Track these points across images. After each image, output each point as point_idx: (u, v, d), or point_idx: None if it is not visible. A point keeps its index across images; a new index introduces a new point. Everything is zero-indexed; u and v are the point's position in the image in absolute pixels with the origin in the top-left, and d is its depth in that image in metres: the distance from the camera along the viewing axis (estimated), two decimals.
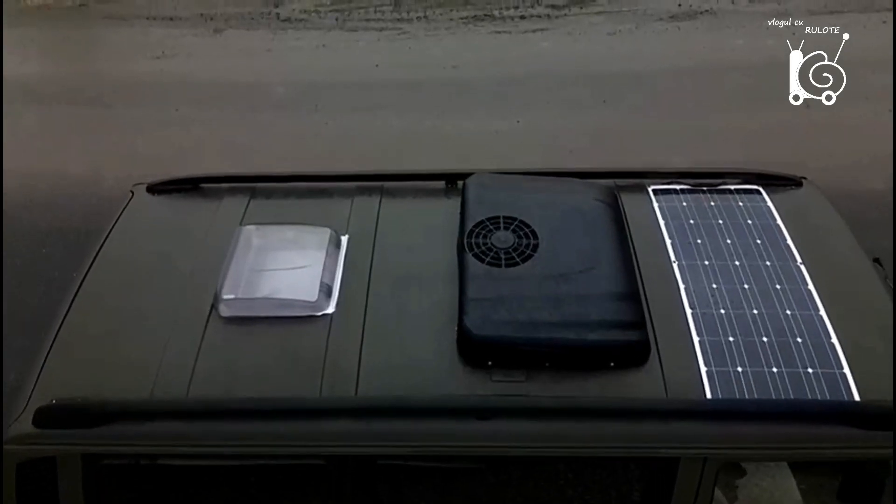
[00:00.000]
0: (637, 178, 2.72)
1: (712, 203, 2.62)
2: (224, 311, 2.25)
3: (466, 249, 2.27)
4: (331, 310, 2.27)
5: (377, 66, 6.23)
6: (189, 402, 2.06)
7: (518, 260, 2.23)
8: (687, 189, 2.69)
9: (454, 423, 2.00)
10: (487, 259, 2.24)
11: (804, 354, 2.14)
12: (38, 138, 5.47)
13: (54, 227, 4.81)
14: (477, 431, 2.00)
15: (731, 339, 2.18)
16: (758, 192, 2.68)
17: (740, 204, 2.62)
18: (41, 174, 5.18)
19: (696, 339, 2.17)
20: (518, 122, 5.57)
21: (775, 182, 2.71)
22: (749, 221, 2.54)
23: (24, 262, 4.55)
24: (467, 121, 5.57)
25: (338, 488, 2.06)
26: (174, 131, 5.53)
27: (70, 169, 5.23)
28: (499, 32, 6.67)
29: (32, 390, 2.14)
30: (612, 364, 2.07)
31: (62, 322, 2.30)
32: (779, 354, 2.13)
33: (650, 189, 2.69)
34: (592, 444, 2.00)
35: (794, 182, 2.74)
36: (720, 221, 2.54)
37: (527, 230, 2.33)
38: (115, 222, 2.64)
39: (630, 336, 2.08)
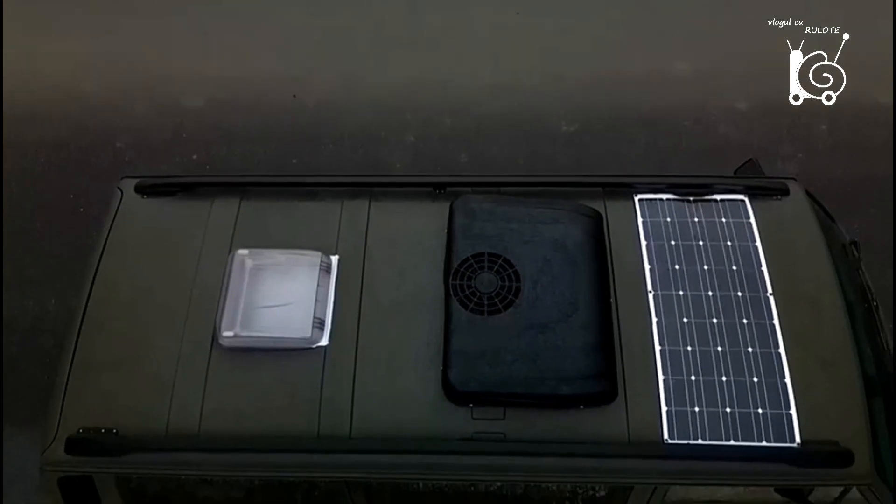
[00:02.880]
0: (625, 188, 2.72)
1: (695, 219, 2.65)
2: (224, 344, 2.42)
3: (451, 294, 2.37)
4: (324, 342, 2.44)
5: None
6: (201, 439, 2.32)
7: (500, 307, 2.35)
8: (672, 199, 2.71)
9: (438, 458, 2.28)
10: (471, 305, 2.35)
11: (757, 395, 2.35)
12: None
13: (44, 140, 4.74)
14: (461, 464, 2.28)
15: (693, 378, 2.38)
16: (742, 202, 2.70)
17: (723, 220, 2.65)
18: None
19: (661, 377, 2.37)
20: (517, 13, 5.21)
21: (761, 192, 2.71)
22: (728, 243, 2.60)
23: (19, 186, 4.57)
24: (461, 10, 5.20)
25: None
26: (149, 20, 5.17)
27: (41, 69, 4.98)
28: None
29: (59, 420, 2.38)
30: (581, 406, 2.30)
31: (74, 351, 2.47)
32: (734, 394, 2.34)
33: (636, 199, 2.70)
34: (560, 476, 2.31)
35: (780, 190, 2.73)
36: (700, 243, 2.60)
37: (510, 271, 2.41)
38: (109, 233, 2.69)
39: (599, 386, 2.28)
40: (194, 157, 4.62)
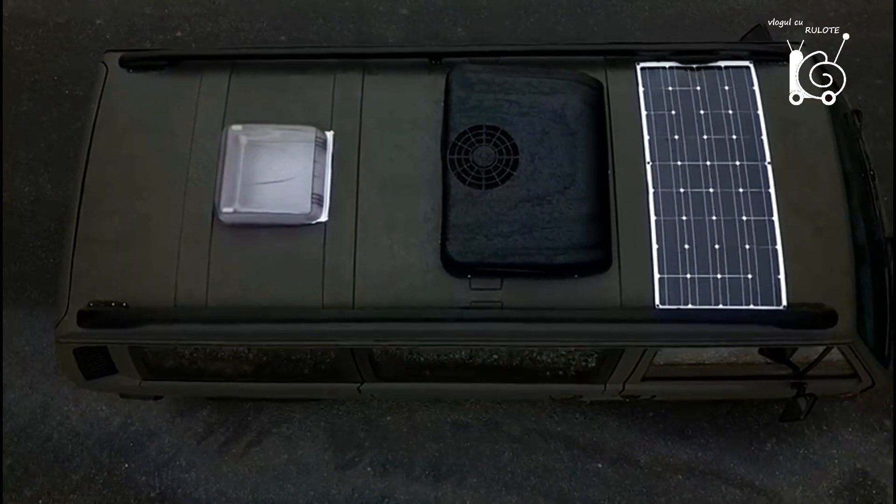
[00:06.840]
0: (627, 55, 2.63)
1: (697, 88, 2.59)
2: (224, 220, 2.44)
3: (449, 168, 2.36)
4: (324, 218, 2.46)
5: None
6: (212, 310, 2.40)
7: (498, 180, 2.34)
8: (675, 67, 2.63)
9: (438, 325, 2.37)
10: (469, 179, 2.35)
11: (748, 261, 2.41)
12: None
13: (16, 15, 4.52)
14: (461, 331, 2.38)
15: (686, 246, 2.42)
16: (747, 69, 2.62)
17: (725, 88, 2.59)
18: None
19: (654, 246, 2.42)
20: None
21: (767, 57, 2.63)
22: (730, 112, 2.55)
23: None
24: None
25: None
26: None
27: None
28: None
29: (69, 295, 2.45)
30: (576, 275, 2.36)
31: (76, 228, 2.49)
32: (726, 261, 2.40)
33: (638, 68, 2.63)
34: (555, 340, 2.41)
35: (785, 55, 2.65)
36: (701, 112, 2.56)
37: (508, 144, 2.38)
38: (98, 109, 2.63)
39: (594, 255, 2.32)
40: (178, 33, 4.43)
